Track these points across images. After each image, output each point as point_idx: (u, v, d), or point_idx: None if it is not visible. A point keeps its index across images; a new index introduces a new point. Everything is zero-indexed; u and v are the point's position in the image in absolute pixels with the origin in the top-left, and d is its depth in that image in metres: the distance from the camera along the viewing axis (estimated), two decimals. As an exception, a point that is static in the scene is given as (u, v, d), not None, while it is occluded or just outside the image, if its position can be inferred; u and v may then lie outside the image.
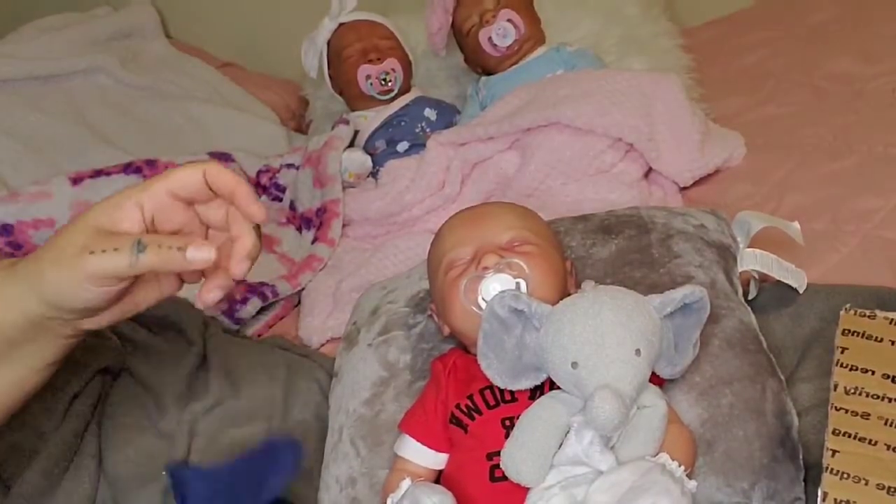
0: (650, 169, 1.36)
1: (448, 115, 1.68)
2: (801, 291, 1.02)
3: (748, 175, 1.35)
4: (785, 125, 1.49)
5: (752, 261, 1.03)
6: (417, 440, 0.89)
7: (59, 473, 0.99)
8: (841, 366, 0.74)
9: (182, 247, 0.64)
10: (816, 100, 1.55)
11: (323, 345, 1.24)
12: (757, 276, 1.05)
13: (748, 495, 0.84)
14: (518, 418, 0.79)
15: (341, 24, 1.69)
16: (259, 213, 0.68)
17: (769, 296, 1.05)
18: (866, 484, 0.67)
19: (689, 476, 0.78)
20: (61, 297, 0.65)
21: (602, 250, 1.06)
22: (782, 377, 0.93)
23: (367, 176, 1.56)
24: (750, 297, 1.05)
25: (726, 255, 1.04)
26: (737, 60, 1.79)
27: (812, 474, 0.85)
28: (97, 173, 1.42)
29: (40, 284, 0.65)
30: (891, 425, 0.70)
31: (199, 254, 0.64)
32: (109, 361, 1.15)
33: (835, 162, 1.33)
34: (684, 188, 1.35)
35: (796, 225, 1.05)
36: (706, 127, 1.41)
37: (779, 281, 1.02)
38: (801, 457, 0.87)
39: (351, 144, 1.59)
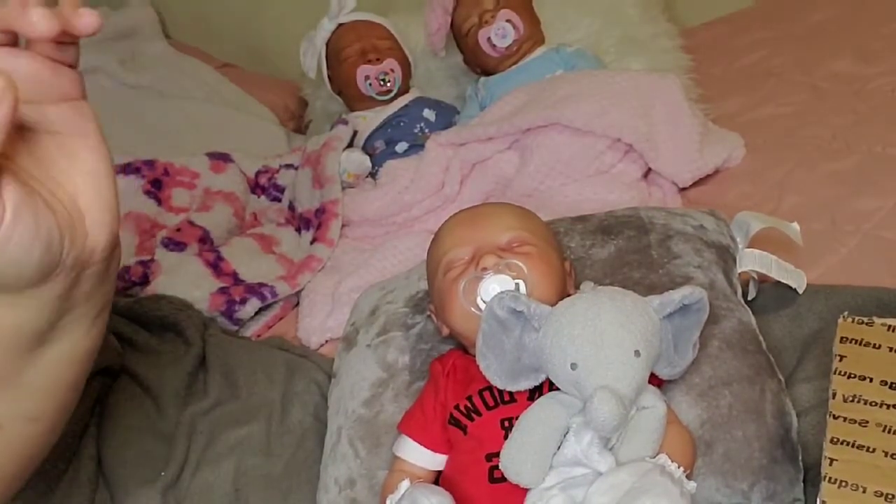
0: (649, 169, 1.36)
1: (447, 116, 1.68)
2: (800, 292, 1.02)
3: (747, 175, 1.35)
4: (785, 125, 1.48)
5: (751, 261, 1.03)
6: (416, 441, 0.89)
7: (58, 476, 0.98)
8: (839, 374, 0.74)
9: None
10: (816, 100, 1.54)
11: (322, 345, 1.24)
12: (756, 277, 1.05)
13: (747, 496, 0.84)
14: (517, 419, 0.79)
15: (340, 25, 1.69)
16: None
17: (768, 296, 1.05)
18: (864, 492, 0.66)
19: (689, 477, 0.78)
20: None
21: (601, 251, 1.06)
22: (782, 378, 0.93)
23: (366, 176, 1.55)
24: (749, 298, 1.04)
25: (725, 256, 1.04)
26: (736, 60, 1.78)
27: (811, 475, 0.85)
28: (96, 174, 1.42)
29: None
30: (889, 432, 0.69)
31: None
32: (108, 362, 1.15)
33: (834, 162, 1.33)
34: (683, 189, 1.35)
35: (795, 225, 1.05)
36: (705, 127, 1.40)
37: (778, 281, 1.02)
38: (800, 458, 0.87)
39: (350, 145, 1.59)
